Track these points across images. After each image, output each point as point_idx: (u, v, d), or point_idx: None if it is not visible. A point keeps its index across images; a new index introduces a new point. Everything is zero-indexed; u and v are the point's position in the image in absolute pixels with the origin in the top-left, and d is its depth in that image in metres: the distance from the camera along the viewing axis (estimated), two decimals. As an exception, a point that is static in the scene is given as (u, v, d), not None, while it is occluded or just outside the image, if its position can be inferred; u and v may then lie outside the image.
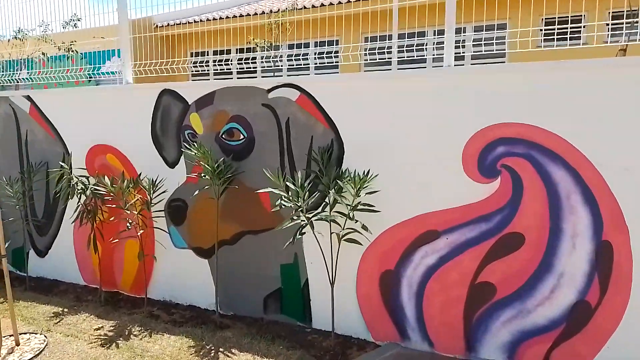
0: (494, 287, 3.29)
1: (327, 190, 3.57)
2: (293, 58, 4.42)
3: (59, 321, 4.27)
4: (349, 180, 3.51)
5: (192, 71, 4.84)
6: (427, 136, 3.38)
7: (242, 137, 4.12)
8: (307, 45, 9.10)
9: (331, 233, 3.59)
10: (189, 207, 4.49)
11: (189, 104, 4.36)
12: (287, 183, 3.46)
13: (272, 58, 5.24)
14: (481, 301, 3.35)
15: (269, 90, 3.95)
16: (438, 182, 3.38)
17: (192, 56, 9.40)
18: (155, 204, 4.42)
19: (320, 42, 9.10)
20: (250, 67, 4.69)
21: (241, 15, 10.57)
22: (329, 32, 6.23)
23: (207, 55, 8.81)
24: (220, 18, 11.03)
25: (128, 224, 4.30)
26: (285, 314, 4.13)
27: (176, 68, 5.08)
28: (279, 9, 9.41)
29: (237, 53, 9.17)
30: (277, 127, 3.95)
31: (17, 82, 6.68)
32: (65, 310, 4.54)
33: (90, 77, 6.99)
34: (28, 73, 7.43)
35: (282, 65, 4.75)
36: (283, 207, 3.52)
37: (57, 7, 6.83)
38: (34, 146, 5.44)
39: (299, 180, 3.43)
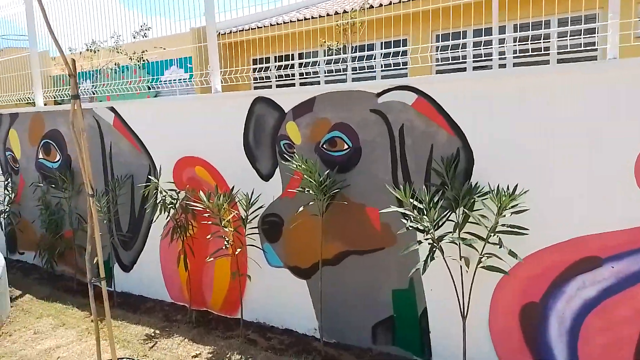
0: (677, 328, 2.67)
1: (454, 208, 3.07)
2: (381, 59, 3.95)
3: (153, 345, 4.04)
4: (482, 195, 2.99)
5: (258, 80, 4.43)
6: (587, 143, 2.80)
7: (346, 147, 3.70)
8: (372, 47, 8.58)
9: (461, 257, 3.09)
10: (285, 223, 4.13)
11: (285, 112, 4.00)
12: (413, 200, 2.98)
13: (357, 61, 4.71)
14: (659, 344, 2.73)
15: (379, 94, 3.51)
16: (601, 198, 2.80)
17: (254, 63, 9.16)
18: (251, 220, 4.08)
19: (386, 42, 8.60)
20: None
21: (305, 19, 10.24)
22: (396, 32, 5.69)
23: (269, 61, 8.53)
24: (284, 22, 10.76)
25: (226, 242, 3.99)
26: (398, 345, 3.67)
27: (240, 77, 4.75)
28: (344, 10, 8.99)
29: (299, 58, 8.84)
30: (388, 135, 3.50)
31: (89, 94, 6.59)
32: (157, 331, 4.31)
33: (149, 88, 6.85)
34: (93, 85, 7.42)
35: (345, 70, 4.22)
36: (410, 228, 3.05)
37: (128, 17, 6.73)
38: (118, 159, 5.30)
39: (427, 197, 2.94)
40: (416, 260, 3.46)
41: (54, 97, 6.80)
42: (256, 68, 4.35)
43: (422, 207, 2.96)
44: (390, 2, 9.21)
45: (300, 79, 4.63)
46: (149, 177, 4.71)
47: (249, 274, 4.24)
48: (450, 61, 3.81)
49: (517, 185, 2.82)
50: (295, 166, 3.63)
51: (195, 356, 3.80)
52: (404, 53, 3.99)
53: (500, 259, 2.95)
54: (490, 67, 4.39)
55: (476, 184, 3.12)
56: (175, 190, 4.64)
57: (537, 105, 2.95)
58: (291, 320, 4.22)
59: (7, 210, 6.58)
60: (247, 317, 4.43)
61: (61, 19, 6.29)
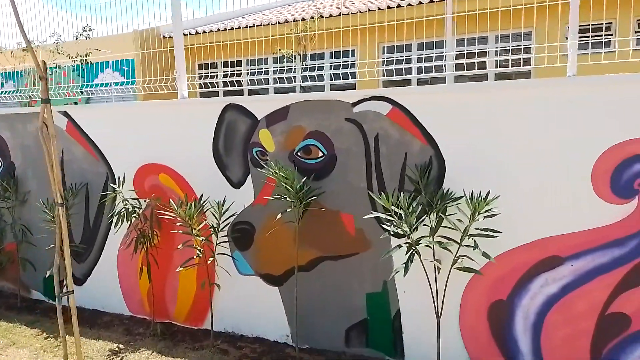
0: (628, 319, 2.99)
1: (427, 213, 3.25)
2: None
3: (119, 361, 3.86)
4: (454, 200, 3.19)
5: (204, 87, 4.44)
6: (549, 152, 3.08)
7: (321, 154, 3.78)
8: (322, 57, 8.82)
9: (434, 260, 3.25)
10: (257, 231, 4.12)
11: (258, 119, 4.01)
12: (394, 207, 3.11)
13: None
14: (612, 334, 3.03)
15: (355, 104, 3.63)
16: (561, 202, 3.08)
17: (199, 68, 9.06)
18: (222, 228, 4.04)
19: (335, 52, 8.86)
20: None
21: (253, 25, 10.25)
22: (345, 42, 5.89)
23: (215, 67, 8.48)
24: (232, 28, 10.68)
25: (198, 251, 3.91)
26: (371, 347, 3.77)
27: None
28: (300, 19, 9.13)
29: (248, 65, 8.88)
30: (363, 143, 3.62)
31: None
32: (121, 346, 4.13)
33: (81, 91, 6.56)
34: (14, 85, 6.96)
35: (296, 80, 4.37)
36: (392, 233, 3.17)
37: (70, 17, 6.40)
38: (71, 166, 5.03)
39: (406, 203, 3.09)
40: (389, 264, 3.60)
41: None
42: (227, 73, 4.33)
43: (401, 212, 3.10)
44: (340, 13, 9.48)
45: (247, 87, 4.69)
46: (111, 185, 4.51)
47: (218, 283, 4.18)
48: (395, 76, 4.06)
49: (489, 191, 3.03)
50: (272, 173, 3.65)
51: (167, 369, 3.68)
52: (354, 63, 4.19)
53: (473, 260, 3.15)
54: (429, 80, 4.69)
55: (448, 190, 3.31)
56: (137, 199, 4.48)
57: (504, 117, 3.20)
58: (262, 328, 4.20)
59: None
60: (215, 327, 4.35)
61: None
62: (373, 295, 3.72)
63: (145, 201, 4.49)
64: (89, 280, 5.12)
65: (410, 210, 3.05)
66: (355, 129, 3.63)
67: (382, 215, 3.20)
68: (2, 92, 5.99)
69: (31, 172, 5.32)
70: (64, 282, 3.43)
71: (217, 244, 4.04)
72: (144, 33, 11.11)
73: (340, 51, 8.74)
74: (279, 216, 3.68)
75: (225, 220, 4.05)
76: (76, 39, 9.04)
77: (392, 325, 3.68)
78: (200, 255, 3.93)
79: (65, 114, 4.98)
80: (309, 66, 4.31)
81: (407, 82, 6.25)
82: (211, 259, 3.98)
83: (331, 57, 9.01)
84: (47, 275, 4.91)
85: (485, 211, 2.97)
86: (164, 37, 11.73)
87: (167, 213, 4.07)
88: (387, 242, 3.58)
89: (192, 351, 4.00)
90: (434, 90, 3.54)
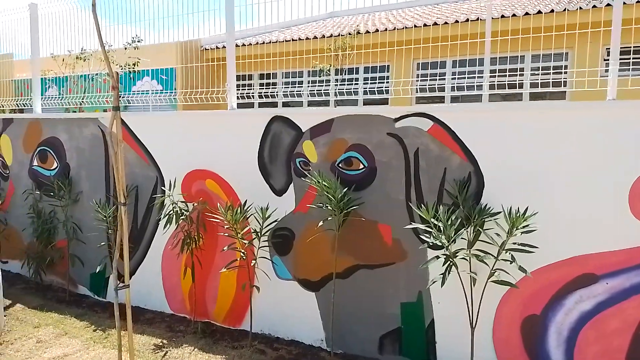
0: (663, 338, 3.03)
1: (465, 226, 3.37)
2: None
3: (164, 354, 4.09)
4: (492, 215, 3.31)
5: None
6: (587, 172, 3.18)
7: (361, 166, 3.96)
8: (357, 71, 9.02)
9: (470, 272, 3.37)
10: (296, 237, 4.32)
11: (303, 131, 4.23)
12: (434, 220, 3.26)
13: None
14: (647, 353, 3.08)
15: (397, 119, 3.80)
16: (598, 221, 3.16)
17: (237, 80, 9.39)
18: (264, 233, 4.25)
19: (371, 67, 9.05)
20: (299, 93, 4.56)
21: (290, 40, 10.56)
22: (376, 58, 6.02)
23: (252, 79, 8.78)
24: (270, 42, 11.01)
25: (242, 254, 4.13)
26: (404, 355, 3.89)
27: (217, 97, 4.96)
28: (339, 34, 9.38)
29: (283, 77, 9.16)
30: (404, 157, 3.79)
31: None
32: (165, 341, 4.36)
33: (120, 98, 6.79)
34: (58, 92, 7.33)
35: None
36: (431, 244, 3.32)
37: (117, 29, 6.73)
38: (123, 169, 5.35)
39: (445, 216, 3.23)
40: (424, 274, 3.73)
41: (21, 105, 6.74)
42: (263, 84, 4.58)
43: (440, 225, 3.24)
44: (377, 29, 9.70)
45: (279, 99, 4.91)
46: (162, 188, 4.79)
47: (258, 286, 4.38)
48: (429, 92, 4.21)
49: (527, 207, 3.14)
50: (315, 183, 3.85)
51: (209, 365, 3.89)
52: (387, 79, 4.38)
53: (508, 273, 3.26)
54: (462, 98, 4.82)
55: (486, 205, 3.43)
56: (184, 202, 4.75)
57: (543, 136, 3.31)
58: (298, 331, 4.37)
59: (-7, 217, 6.43)
60: (253, 328, 4.55)
61: (46, 26, 6.31)
62: (408, 304, 3.85)
63: (192, 205, 4.76)
64: (133, 278, 5.39)
65: (449, 222, 3.19)
66: (396, 143, 3.81)
67: (422, 227, 3.34)
68: (68, 97, 6.41)
69: (84, 173, 5.68)
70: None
71: (259, 248, 4.25)
72: (186, 44, 11.60)
73: (375, 66, 8.99)
74: (320, 224, 3.87)
75: (268, 225, 4.26)
76: (125, 48, 9.55)
77: (426, 334, 3.79)
78: (245, 257, 4.14)
79: (120, 119, 5.31)
80: (345, 80, 4.52)
81: (440, 99, 6.41)
82: (253, 262, 4.18)
83: (365, 72, 9.25)
84: (97, 271, 5.24)
85: (523, 227, 3.08)
86: (205, 48, 12.21)
87: (214, 216, 4.31)
88: (423, 254, 3.72)
89: (231, 350, 4.20)
90: (475, 108, 3.69)
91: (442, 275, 3.20)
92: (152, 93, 7.10)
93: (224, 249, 4.27)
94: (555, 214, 3.28)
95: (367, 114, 3.93)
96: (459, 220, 3.31)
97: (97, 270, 5.24)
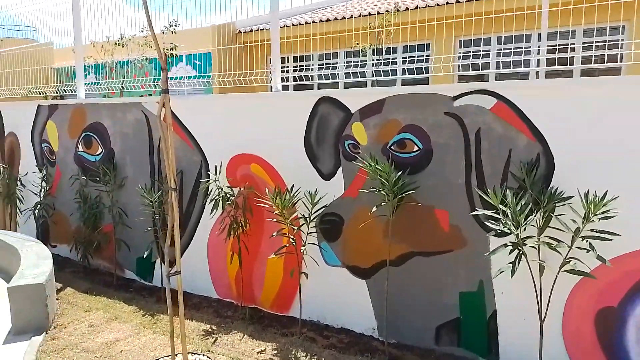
0: None
1: (533, 212, 3.12)
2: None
3: (214, 341, 4.05)
4: (564, 200, 3.04)
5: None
6: (676, 152, 2.86)
7: (416, 148, 3.74)
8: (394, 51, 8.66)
9: (540, 261, 3.13)
10: (345, 223, 4.16)
11: (352, 112, 4.03)
12: (502, 206, 3.02)
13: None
14: None
15: (455, 98, 3.55)
16: (688, 207, 2.85)
17: (271, 62, 9.20)
18: (313, 219, 4.11)
19: (409, 46, 8.66)
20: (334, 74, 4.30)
21: (325, 20, 10.25)
22: (415, 37, 5.72)
23: (287, 61, 8.57)
24: (306, 23, 10.75)
25: (291, 240, 4.01)
26: (463, 346, 3.70)
27: (254, 79, 4.83)
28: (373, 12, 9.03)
29: (319, 59, 8.88)
30: (463, 138, 3.54)
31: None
32: (214, 327, 4.32)
33: (156, 84, 6.84)
34: (96, 78, 7.39)
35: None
36: (499, 232, 3.09)
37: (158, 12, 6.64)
38: (167, 154, 5.30)
39: (514, 200, 2.99)
40: (486, 263, 3.51)
41: (62, 92, 6.81)
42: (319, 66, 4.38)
43: (507, 210, 3.00)
44: (417, 6, 9.28)
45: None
46: (210, 173, 4.70)
47: (306, 272, 4.26)
48: (472, 71, 3.92)
49: (607, 191, 2.86)
50: (367, 166, 3.66)
51: (260, 352, 3.81)
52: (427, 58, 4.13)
53: (583, 262, 3.00)
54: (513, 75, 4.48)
55: (556, 189, 3.16)
56: (230, 187, 4.66)
57: (619, 114, 3.00)
58: (348, 320, 4.25)
59: (42, 202, 6.56)
60: (301, 315, 4.45)
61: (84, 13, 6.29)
62: (467, 294, 3.64)
63: (237, 190, 4.66)
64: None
65: (519, 208, 2.95)
66: (455, 123, 3.56)
67: (489, 213, 3.11)
68: (109, 82, 6.41)
69: (129, 158, 5.67)
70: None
71: (307, 234, 4.12)
72: (221, 27, 11.47)
73: (414, 45, 8.61)
74: (374, 209, 3.68)
75: (317, 211, 4.11)
76: (163, 33, 9.52)
77: (487, 325, 3.58)
78: (294, 244, 4.02)
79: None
80: (382, 61, 4.30)
81: (484, 78, 6.06)
82: (303, 248, 4.06)
83: (404, 51, 8.89)
84: (144, 256, 5.25)
85: (602, 212, 2.81)
86: (240, 32, 12.06)
87: (262, 201, 4.19)
88: (484, 241, 3.50)
89: (281, 337, 4.12)
90: (545, 84, 3.39)
91: (511, 265, 2.97)
92: (188, 78, 7.03)
93: (273, 234, 4.16)
94: (634, 198, 2.98)
95: (423, 92, 3.69)
96: (529, 206, 3.05)
97: (144, 256, 5.25)
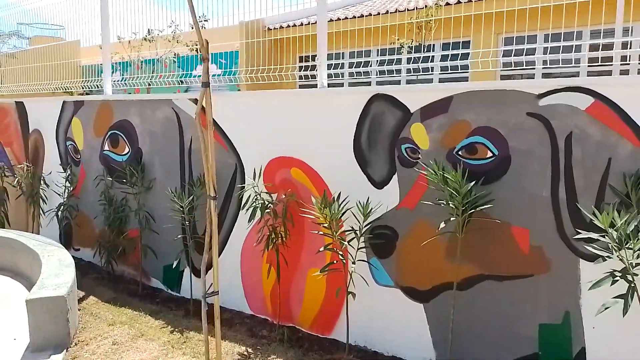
0: None
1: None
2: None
3: (251, 367, 3.60)
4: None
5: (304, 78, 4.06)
6: None
7: (489, 154, 3.21)
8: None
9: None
10: (400, 237, 3.66)
11: (411, 112, 3.53)
12: (612, 230, 2.48)
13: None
14: None
15: (541, 96, 3.01)
16: None
17: (300, 61, 8.74)
18: (364, 232, 3.62)
19: (447, 43, 8.07)
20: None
21: (354, 17, 9.75)
22: (457, 34, 5.17)
23: (315, 59, 8.06)
24: (338, 19, 10.26)
25: (340, 256, 3.54)
26: (542, 387, 3.16)
27: (283, 75, 4.43)
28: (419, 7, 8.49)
29: (349, 57, 8.35)
30: (550, 143, 3.00)
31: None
32: (249, 350, 3.88)
33: (181, 82, 6.56)
34: (122, 76, 7.08)
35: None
36: (608, 258, 2.55)
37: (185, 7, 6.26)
38: (199, 155, 4.89)
39: (623, 221, 2.44)
40: (573, 291, 2.96)
41: (90, 88, 6.53)
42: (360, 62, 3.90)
43: (614, 233, 2.46)
44: (459, 1, 8.69)
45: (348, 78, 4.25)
46: (248, 177, 4.25)
47: (353, 292, 3.77)
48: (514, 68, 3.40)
49: None
50: (432, 174, 3.16)
51: (304, 385, 3.35)
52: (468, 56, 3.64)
53: None
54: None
55: (671, 207, 2.61)
56: (268, 193, 4.21)
57: None
58: (400, 348, 3.74)
59: (65, 203, 6.23)
60: (344, 338, 3.97)
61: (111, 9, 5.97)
62: (549, 326, 3.10)
63: (274, 196, 4.20)
64: (209, 273, 4.95)
65: (631, 229, 2.40)
66: (540, 126, 3.02)
67: (595, 236, 2.57)
68: (139, 77, 6.05)
69: (157, 159, 5.28)
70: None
71: (357, 250, 3.63)
72: (249, 24, 11.10)
73: (454, 43, 8.02)
74: (442, 225, 3.17)
75: (368, 223, 3.62)
76: (192, 28, 9.17)
77: (573, 365, 3.04)
78: (343, 260, 3.54)
79: (196, 101, 4.83)
80: (420, 57, 3.83)
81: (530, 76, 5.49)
82: (353, 266, 3.57)
83: (444, 49, 8.31)
84: (173, 266, 4.84)
85: None
86: (268, 28, 11.67)
87: (308, 212, 3.72)
88: (573, 265, 2.95)
89: (325, 364, 3.65)
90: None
91: (618, 299, 2.43)
92: (214, 76, 6.66)
93: (320, 250, 3.68)
94: None
95: (499, 89, 3.17)
96: (632, 226, 2.50)
97: (174, 266, 4.84)
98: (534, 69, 5.28)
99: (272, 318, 4.47)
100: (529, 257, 3.12)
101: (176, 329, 4.29)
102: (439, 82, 6.37)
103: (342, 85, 5.16)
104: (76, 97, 6.27)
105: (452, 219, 3.13)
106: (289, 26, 11.29)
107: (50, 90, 7.44)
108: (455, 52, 3.85)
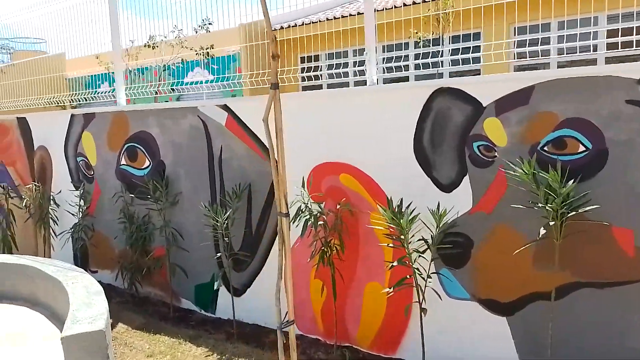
0: None
1: None
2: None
3: (319, 400, 3.23)
4: None
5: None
6: None
7: (582, 149, 2.88)
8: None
9: None
10: (475, 245, 3.32)
11: (484, 105, 3.18)
12: None
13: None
14: None
15: (644, 80, 2.69)
16: None
17: (302, 62, 8.38)
18: (438, 242, 3.27)
19: (456, 35, 7.76)
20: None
21: (383, 9, 9.42)
22: (466, 26, 4.87)
23: (319, 59, 7.73)
24: (335, 18, 9.92)
25: (414, 270, 3.18)
26: (656, 406, 2.84)
27: (285, 78, 4.16)
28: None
29: (354, 55, 8.00)
30: (656, 133, 2.68)
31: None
32: (313, 378, 3.51)
33: (172, 89, 6.27)
34: (111, 88, 6.74)
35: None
36: None
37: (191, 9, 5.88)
38: (230, 165, 4.52)
39: None
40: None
41: (79, 101, 6.23)
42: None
43: None
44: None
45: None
46: (300, 188, 3.86)
47: (425, 307, 3.42)
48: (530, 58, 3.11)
49: None
50: (523, 174, 2.82)
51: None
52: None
53: None
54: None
55: None
56: (318, 204, 3.84)
57: None
58: (481, 366, 3.40)
59: (80, 223, 5.80)
60: (410, 357, 3.63)
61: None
62: (662, 337, 2.78)
63: (319, 205, 3.83)
64: (248, 291, 4.59)
65: None
66: (643, 115, 2.70)
67: None
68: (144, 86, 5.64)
69: (183, 171, 4.89)
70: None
71: (431, 261, 3.28)
72: (250, 26, 10.70)
73: (463, 35, 7.71)
74: (542, 231, 2.83)
75: (442, 231, 3.27)
76: (196, 32, 8.79)
77: (694, 380, 2.72)
78: (421, 275, 3.19)
79: (225, 107, 4.46)
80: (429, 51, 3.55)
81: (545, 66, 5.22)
82: (429, 280, 3.22)
83: (453, 42, 7.99)
84: (215, 286, 4.45)
85: None
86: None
87: (377, 222, 3.35)
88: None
89: (400, 391, 3.29)
90: None
91: None
92: (205, 82, 6.29)
93: (393, 264, 3.31)
94: None
95: (590, 75, 2.84)
96: None
97: (215, 287, 4.46)
98: (549, 58, 4.97)
99: (324, 338, 4.11)
100: (635, 260, 2.79)
101: (223, 356, 3.92)
102: (449, 76, 6.07)
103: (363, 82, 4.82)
104: (86, 109, 5.84)
105: (550, 223, 2.78)
106: (289, 26, 10.92)
107: (42, 105, 7.00)
108: (466, 44, 3.59)
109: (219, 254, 4.40)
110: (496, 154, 3.16)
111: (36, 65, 8.05)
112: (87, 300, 3.95)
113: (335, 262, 3.73)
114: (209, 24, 8.91)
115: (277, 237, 4.26)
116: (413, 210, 3.28)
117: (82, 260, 6.06)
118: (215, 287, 4.47)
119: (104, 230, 5.72)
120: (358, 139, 3.73)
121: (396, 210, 3.24)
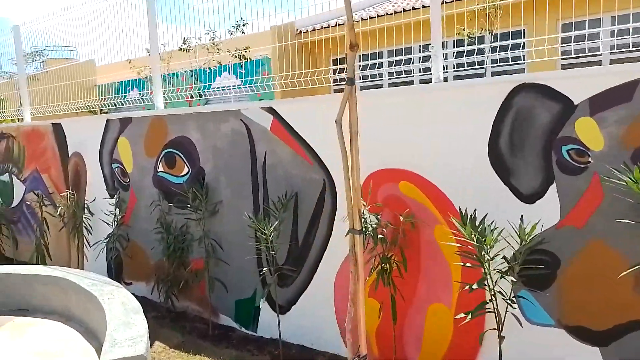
0: None
1: None
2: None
3: None
4: None
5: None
6: None
7: (701, 153, 2.44)
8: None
9: None
10: (562, 264, 2.89)
11: (575, 103, 2.77)
12: None
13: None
14: None
15: None
16: None
17: (334, 64, 8.01)
18: (520, 260, 2.85)
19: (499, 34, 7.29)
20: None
21: (396, 12, 9.08)
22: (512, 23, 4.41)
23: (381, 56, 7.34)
24: (370, 18, 9.60)
25: (492, 293, 2.78)
26: None
27: (317, 79, 3.97)
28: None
29: (389, 56, 7.61)
30: None
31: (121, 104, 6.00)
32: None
33: (200, 95, 6.02)
34: (140, 94, 6.52)
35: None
36: None
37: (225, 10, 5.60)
38: (276, 172, 4.20)
39: None
40: None
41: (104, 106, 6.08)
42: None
43: None
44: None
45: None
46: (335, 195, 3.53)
47: (503, 334, 3.00)
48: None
49: None
50: (631, 183, 2.39)
51: None
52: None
53: None
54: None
55: None
56: (375, 215, 3.47)
57: None
58: (568, 402, 2.96)
59: (115, 233, 5.57)
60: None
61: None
62: None
63: (375, 216, 3.46)
64: (294, 308, 4.25)
65: None
66: None
67: None
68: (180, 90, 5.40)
69: (224, 179, 4.60)
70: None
71: (514, 282, 2.86)
72: (281, 28, 10.48)
73: (508, 33, 7.27)
74: (662, 251, 2.40)
75: (527, 248, 2.85)
76: (230, 33, 8.61)
77: None
78: (504, 297, 2.78)
79: (271, 110, 4.15)
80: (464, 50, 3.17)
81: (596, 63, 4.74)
82: (514, 306, 2.81)
83: (495, 40, 7.53)
84: (261, 303, 4.13)
85: None
86: (300, 32, 11.07)
87: (460, 239, 2.95)
88: None
89: None
90: None
91: None
92: (233, 87, 6.03)
93: (472, 286, 2.90)
94: None
95: None
96: None
97: (261, 303, 4.14)
98: (600, 55, 4.49)
99: (385, 363, 3.73)
100: None
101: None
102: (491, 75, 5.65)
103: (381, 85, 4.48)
104: (122, 114, 5.64)
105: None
106: (321, 28, 10.65)
107: (74, 111, 6.88)
108: (514, 41, 3.20)
109: (264, 268, 4.07)
110: (590, 159, 2.74)
111: (67, 72, 8.01)
112: (125, 319, 3.67)
113: (395, 281, 3.36)
114: (244, 25, 8.69)
115: (325, 251, 3.96)
116: (492, 224, 2.87)
117: (116, 271, 5.83)
118: (260, 304, 4.14)
119: (140, 241, 5.48)
120: (420, 143, 3.37)
121: (480, 224, 2.83)
